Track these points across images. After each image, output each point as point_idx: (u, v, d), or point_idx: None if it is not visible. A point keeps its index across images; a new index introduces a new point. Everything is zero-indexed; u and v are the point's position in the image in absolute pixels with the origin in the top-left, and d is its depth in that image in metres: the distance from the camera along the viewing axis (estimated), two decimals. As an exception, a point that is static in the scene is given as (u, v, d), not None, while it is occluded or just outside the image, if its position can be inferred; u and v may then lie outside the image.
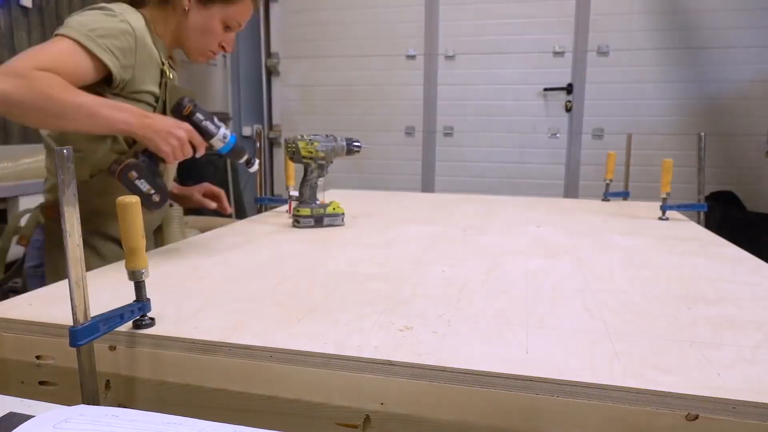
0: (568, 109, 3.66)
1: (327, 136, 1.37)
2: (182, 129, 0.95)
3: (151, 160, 0.97)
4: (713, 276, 0.93)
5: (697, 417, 0.50)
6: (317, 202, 1.34)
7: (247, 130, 4.22)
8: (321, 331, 0.65)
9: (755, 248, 1.20)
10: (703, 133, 1.50)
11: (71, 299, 0.53)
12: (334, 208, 1.34)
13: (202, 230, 1.78)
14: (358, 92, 3.98)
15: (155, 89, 1.10)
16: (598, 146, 3.63)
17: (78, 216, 0.51)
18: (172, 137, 0.93)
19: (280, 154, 4.19)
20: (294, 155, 1.34)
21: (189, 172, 3.53)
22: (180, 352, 0.62)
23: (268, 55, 4.12)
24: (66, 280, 0.53)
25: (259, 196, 1.59)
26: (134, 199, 0.60)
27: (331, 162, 1.37)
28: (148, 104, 1.09)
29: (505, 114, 3.75)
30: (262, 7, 4.03)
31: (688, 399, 0.51)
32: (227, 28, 1.17)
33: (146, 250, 0.63)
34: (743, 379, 0.54)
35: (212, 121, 1.02)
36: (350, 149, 1.40)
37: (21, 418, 0.39)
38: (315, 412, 0.59)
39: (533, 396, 0.54)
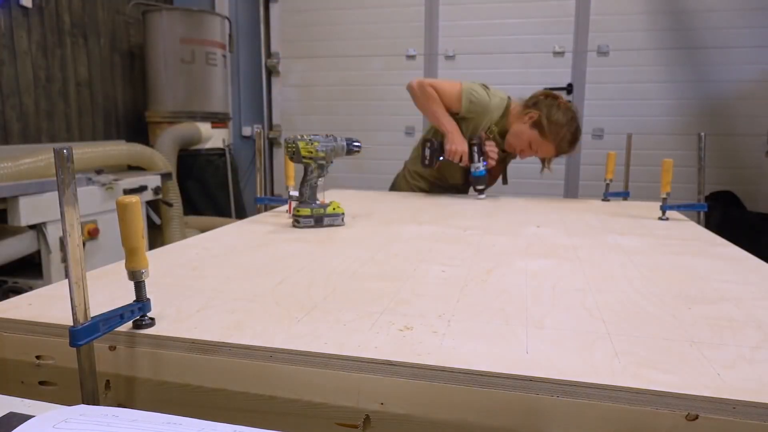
0: (568, 109, 3.66)
1: (327, 136, 1.37)
2: (460, 146, 1.83)
3: (441, 146, 1.87)
4: (713, 276, 0.93)
5: (697, 417, 0.50)
6: (317, 202, 1.34)
7: (247, 130, 4.22)
8: (321, 331, 0.65)
9: (755, 248, 1.20)
10: (703, 133, 1.50)
11: (71, 299, 0.53)
12: (334, 208, 1.34)
13: (202, 230, 1.78)
14: (358, 92, 3.98)
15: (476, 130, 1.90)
16: (598, 146, 3.63)
17: (78, 216, 0.51)
18: (453, 146, 1.83)
19: (280, 154, 4.19)
20: (294, 155, 1.34)
21: (190, 170, 3.54)
22: (180, 352, 0.62)
23: (268, 55, 4.11)
24: (66, 280, 0.53)
25: (259, 196, 1.59)
26: (134, 199, 0.60)
27: (331, 162, 1.37)
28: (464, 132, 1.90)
29: (505, 114, 3.74)
30: (262, 7, 4.03)
31: (688, 399, 0.51)
32: (530, 147, 1.84)
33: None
34: (743, 379, 0.54)
35: (479, 156, 1.84)
36: (350, 149, 1.40)
37: (21, 418, 0.39)
38: (315, 412, 0.59)
39: (533, 396, 0.54)
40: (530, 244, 1.16)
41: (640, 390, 0.52)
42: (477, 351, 0.60)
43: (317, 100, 4.08)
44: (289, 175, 1.56)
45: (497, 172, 2.05)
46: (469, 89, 1.87)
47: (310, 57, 4.03)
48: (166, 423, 0.38)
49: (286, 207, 1.57)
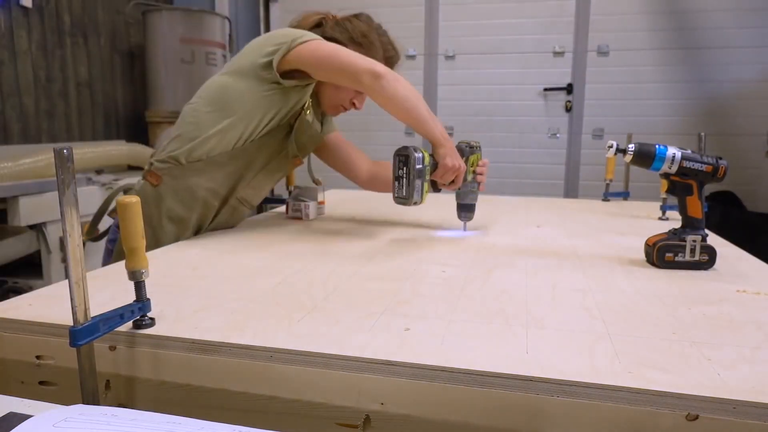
0: (568, 109, 3.66)
1: None
2: (458, 161, 1.12)
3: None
4: (713, 276, 0.93)
5: (697, 417, 0.50)
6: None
7: (247, 130, 4.22)
8: (321, 331, 0.65)
9: (755, 248, 1.20)
10: (703, 133, 1.50)
11: (71, 299, 0.53)
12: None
13: (202, 230, 1.77)
14: (358, 92, 3.98)
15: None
16: (598, 146, 3.63)
17: (78, 216, 0.51)
18: (452, 160, 1.11)
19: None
20: None
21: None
22: (180, 352, 0.62)
23: (268, 55, 4.11)
24: (66, 280, 0.53)
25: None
26: (134, 199, 0.60)
27: None
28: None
29: (505, 114, 3.74)
30: (262, 7, 4.03)
31: (688, 399, 0.51)
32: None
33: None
34: (743, 379, 0.54)
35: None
36: None
37: (21, 418, 0.39)
38: (315, 412, 0.59)
39: (533, 396, 0.54)
40: (530, 244, 1.16)
41: (640, 390, 0.52)
42: (477, 351, 0.60)
43: (317, 100, 4.08)
44: (289, 176, 1.56)
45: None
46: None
47: (310, 57, 4.03)
48: (166, 423, 0.38)
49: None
